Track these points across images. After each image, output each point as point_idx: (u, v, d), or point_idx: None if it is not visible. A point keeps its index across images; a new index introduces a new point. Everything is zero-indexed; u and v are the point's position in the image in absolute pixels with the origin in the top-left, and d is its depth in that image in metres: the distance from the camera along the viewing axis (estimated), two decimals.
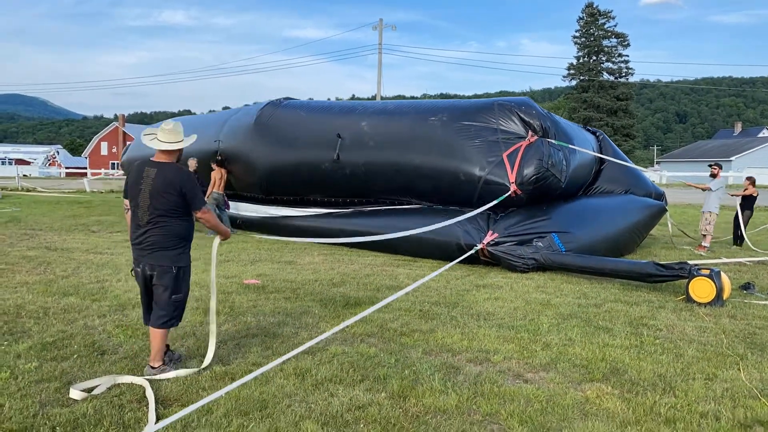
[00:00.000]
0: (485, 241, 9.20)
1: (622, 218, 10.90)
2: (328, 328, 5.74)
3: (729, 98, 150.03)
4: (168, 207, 4.45)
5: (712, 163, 13.06)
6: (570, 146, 10.25)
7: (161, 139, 4.58)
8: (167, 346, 4.72)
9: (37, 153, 78.41)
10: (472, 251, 9.13)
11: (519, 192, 9.41)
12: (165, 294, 4.54)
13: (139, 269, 4.59)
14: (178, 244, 4.56)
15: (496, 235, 9.21)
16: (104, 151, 76.84)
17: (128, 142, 20.52)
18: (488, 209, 9.31)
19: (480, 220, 9.48)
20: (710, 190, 12.47)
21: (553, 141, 9.83)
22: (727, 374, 4.71)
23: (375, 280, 8.23)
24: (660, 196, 12.64)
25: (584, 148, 11.20)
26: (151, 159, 4.62)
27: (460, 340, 5.47)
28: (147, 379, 4.33)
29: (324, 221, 11.89)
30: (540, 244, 9.08)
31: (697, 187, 13.40)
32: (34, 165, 68.54)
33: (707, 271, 7.13)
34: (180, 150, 4.67)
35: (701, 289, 7.08)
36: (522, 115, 9.85)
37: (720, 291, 7.01)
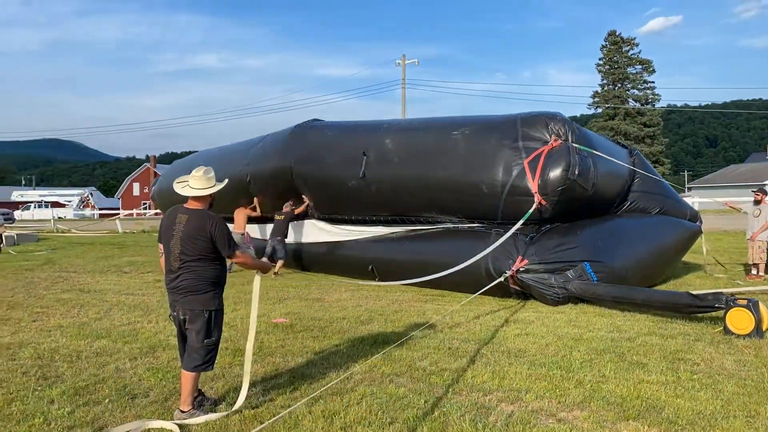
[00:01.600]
0: (515, 268, 9.01)
1: (656, 241, 10.62)
2: (356, 368, 5.71)
3: (760, 120, 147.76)
4: (198, 252, 4.54)
5: (756, 189, 12.74)
6: (597, 153, 9.91)
7: (193, 186, 4.70)
8: (200, 390, 4.74)
9: (71, 195, 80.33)
10: (502, 278, 8.99)
11: (543, 202, 9.22)
12: (197, 338, 4.59)
13: (174, 314, 4.67)
14: (209, 288, 4.62)
15: (526, 261, 9.03)
16: (136, 191, 78.54)
17: (158, 177, 20.92)
18: (518, 229, 9.17)
19: (509, 245, 9.25)
20: (758, 212, 12.17)
21: (579, 146, 9.55)
22: None
23: (403, 317, 8.17)
24: (695, 217, 12.27)
25: (618, 160, 10.93)
26: (183, 206, 4.75)
27: (491, 378, 5.38)
28: (177, 424, 4.33)
29: (351, 249, 12.13)
30: (571, 273, 8.90)
31: (733, 207, 13.03)
32: (69, 207, 70.16)
33: (744, 302, 6.93)
34: (212, 195, 4.77)
35: (739, 320, 6.88)
36: (547, 121, 9.74)
37: (759, 322, 6.80)
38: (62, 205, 69.47)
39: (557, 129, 9.66)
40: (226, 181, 5.00)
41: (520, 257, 9.08)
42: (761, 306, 6.96)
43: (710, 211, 30.52)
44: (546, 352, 6.26)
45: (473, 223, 10.46)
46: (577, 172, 9.27)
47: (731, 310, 6.98)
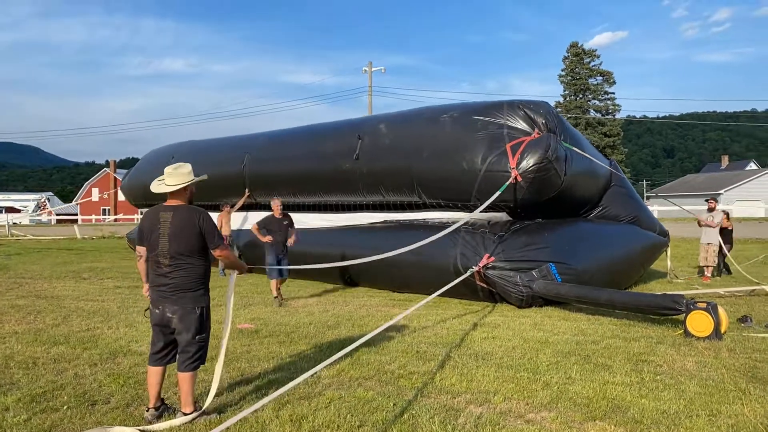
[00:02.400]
0: (481, 264, 9.11)
1: (622, 249, 10.83)
2: (323, 372, 5.64)
3: (715, 132, 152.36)
4: (188, 248, 4.46)
5: (709, 198, 13.33)
6: (575, 150, 10.21)
7: (168, 183, 4.59)
8: (162, 399, 4.63)
9: (27, 201, 78.17)
10: (468, 274, 9.06)
11: (519, 179, 9.36)
12: (188, 335, 4.50)
13: (157, 311, 4.53)
14: (200, 285, 4.56)
15: (492, 258, 9.12)
16: (95, 197, 76.72)
17: (131, 169, 20.41)
18: (486, 227, 9.31)
19: (477, 243, 9.44)
20: (711, 226, 12.78)
21: (561, 141, 9.84)
22: (731, 410, 4.63)
23: (370, 322, 8.13)
24: (664, 233, 12.55)
25: (594, 161, 11.18)
26: (164, 204, 4.65)
27: (459, 381, 5.38)
28: (139, 430, 4.21)
29: (321, 239, 12.34)
30: (536, 273, 9.00)
31: (707, 224, 13.40)
32: (25, 213, 68.21)
33: (704, 305, 7.09)
34: (189, 189, 4.67)
35: (699, 323, 7.04)
36: (530, 113, 9.99)
37: (718, 324, 6.96)
38: (17, 211, 67.50)
39: (540, 121, 9.88)
40: (205, 176, 4.90)
41: (487, 255, 9.16)
42: (720, 309, 7.12)
43: (669, 219, 31.25)
44: (513, 355, 6.29)
45: (450, 207, 10.57)
46: (554, 156, 9.48)
47: (691, 313, 7.13)
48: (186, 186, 4.63)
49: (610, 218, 11.55)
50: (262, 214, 14.30)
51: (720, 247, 12.96)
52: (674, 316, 7.71)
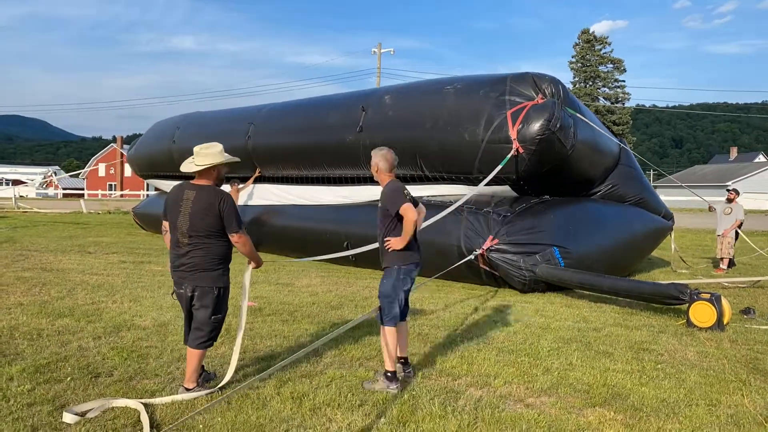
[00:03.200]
0: (485, 246, 9.05)
1: (626, 233, 10.71)
2: (326, 351, 5.68)
3: (724, 124, 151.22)
4: (207, 228, 4.47)
5: (730, 188, 13.18)
6: (583, 118, 10.03)
7: (198, 163, 4.57)
8: (202, 366, 4.74)
9: (34, 174, 78.40)
10: (472, 256, 9.03)
11: (521, 150, 9.26)
12: (205, 314, 4.55)
13: (181, 291, 4.58)
14: (219, 265, 4.56)
15: (496, 240, 9.06)
16: (102, 172, 76.92)
17: (137, 139, 20.31)
18: (492, 206, 9.30)
19: (480, 224, 9.38)
20: (729, 210, 12.67)
21: (567, 109, 9.63)
22: (731, 400, 4.64)
23: (373, 303, 8.14)
24: (669, 216, 12.43)
25: (603, 136, 10.97)
26: (190, 182, 4.66)
27: (460, 364, 5.40)
28: (142, 403, 4.25)
29: (326, 223, 12.34)
30: (539, 257, 8.93)
31: (714, 210, 13.29)
32: (31, 186, 68.46)
33: (707, 296, 7.08)
34: (218, 170, 4.66)
35: (702, 313, 7.03)
36: (535, 80, 9.85)
37: (721, 316, 6.95)
38: (24, 183, 67.74)
39: (546, 87, 9.75)
40: (237, 158, 4.92)
41: (491, 236, 9.13)
42: (723, 300, 7.11)
43: (675, 210, 31.01)
44: (514, 340, 6.31)
45: (453, 180, 10.43)
46: (558, 126, 9.30)
47: (694, 304, 7.12)
48: (214, 166, 4.61)
49: (616, 198, 11.36)
50: (267, 188, 14.41)
51: (735, 238, 12.86)
52: (677, 306, 7.70)
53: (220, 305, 4.60)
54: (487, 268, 9.24)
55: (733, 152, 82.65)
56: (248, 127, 14.33)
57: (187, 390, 4.48)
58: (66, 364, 5.13)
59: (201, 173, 4.60)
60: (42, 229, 19.57)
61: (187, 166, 4.65)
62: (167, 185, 17.90)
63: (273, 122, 14.15)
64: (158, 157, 17.55)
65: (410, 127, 10.80)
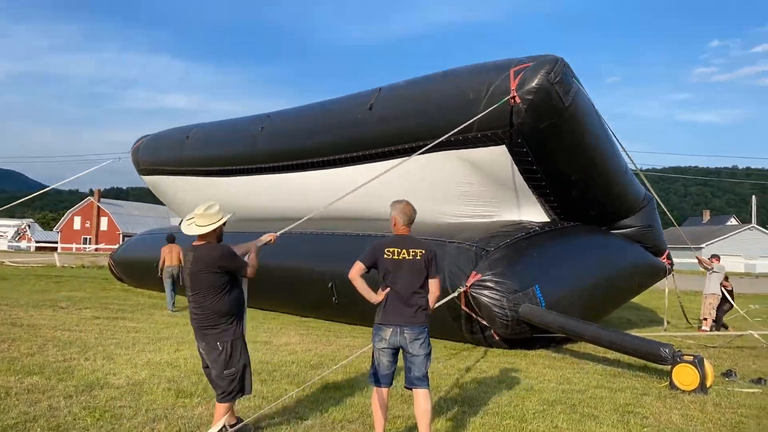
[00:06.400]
0: (468, 283, 8.92)
1: (610, 270, 10.53)
2: (306, 413, 5.52)
3: (696, 187, 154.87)
4: (205, 287, 4.63)
5: (713, 255, 13.37)
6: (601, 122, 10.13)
7: (198, 224, 4.74)
8: (237, 418, 4.84)
9: (7, 227, 77.05)
10: (456, 294, 8.88)
11: (518, 100, 9.12)
12: (215, 371, 4.67)
13: (200, 350, 4.79)
14: (220, 321, 4.66)
15: (479, 276, 8.95)
16: (77, 225, 75.88)
17: (142, 138, 19.35)
18: (474, 241, 9.24)
19: (464, 260, 9.29)
20: (712, 270, 12.75)
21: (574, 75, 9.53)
22: None
23: (354, 362, 7.98)
24: (663, 252, 11.99)
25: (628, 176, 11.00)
26: (192, 243, 4.83)
27: (444, 427, 5.28)
28: None
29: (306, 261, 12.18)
30: (521, 296, 8.80)
31: (702, 262, 13.42)
32: (4, 238, 67.14)
33: (690, 358, 7.07)
34: (217, 228, 4.80)
35: (685, 375, 7.00)
36: (547, 64, 9.43)
37: (704, 379, 6.93)
38: None
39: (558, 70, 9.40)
40: (232, 213, 5.10)
41: (474, 272, 9.03)
42: (706, 363, 7.11)
43: (683, 272, 30.79)
44: (498, 402, 6.20)
45: (453, 144, 10.02)
46: (557, 79, 9.17)
47: (677, 366, 7.10)
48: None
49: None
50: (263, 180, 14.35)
51: (721, 301, 12.93)
52: (660, 365, 7.67)
53: (227, 359, 4.65)
54: (467, 310, 9.08)
55: (706, 215, 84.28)
56: (260, 125, 14.41)
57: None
58: (35, 425, 4.92)
59: (202, 235, 4.76)
60: (13, 283, 19.09)
61: (189, 229, 4.79)
62: (168, 182, 17.66)
63: (286, 116, 14.28)
64: (168, 150, 17.39)
65: (419, 99, 10.75)
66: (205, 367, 4.79)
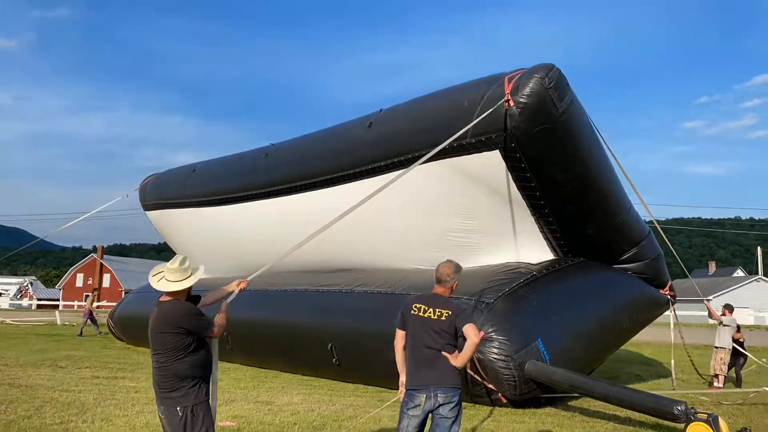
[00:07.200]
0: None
1: (609, 309, 10.24)
2: None
3: (700, 238, 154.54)
4: (165, 347, 4.32)
5: (724, 306, 13.09)
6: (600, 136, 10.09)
7: (169, 279, 4.46)
8: None
9: (9, 285, 76.92)
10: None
11: (512, 103, 8.99)
12: None
13: (160, 415, 4.41)
14: (179, 384, 4.33)
15: (482, 333, 8.72)
16: (79, 282, 75.67)
17: (152, 175, 19.30)
18: (480, 296, 8.98)
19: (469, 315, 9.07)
20: (723, 323, 12.44)
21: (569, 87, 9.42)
22: None
23: (357, 425, 7.79)
24: (666, 284, 11.72)
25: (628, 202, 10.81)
26: (159, 298, 4.54)
27: None
28: None
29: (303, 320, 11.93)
30: (524, 352, 8.54)
31: (712, 314, 13.12)
32: (5, 296, 66.92)
33: (704, 416, 6.87)
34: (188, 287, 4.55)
35: None
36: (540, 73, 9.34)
37: None
38: None
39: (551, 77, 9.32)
40: (202, 268, 4.72)
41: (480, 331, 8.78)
42: (721, 421, 6.89)
43: (693, 324, 30.46)
44: None
45: (446, 153, 9.78)
46: (552, 84, 9.06)
47: (691, 425, 6.89)
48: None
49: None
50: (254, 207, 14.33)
51: (733, 354, 12.58)
52: (673, 423, 7.45)
53: (191, 426, 4.29)
54: (472, 374, 8.80)
55: (712, 266, 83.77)
56: (264, 153, 14.51)
57: None
58: None
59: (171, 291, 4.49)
60: (13, 342, 18.88)
61: (159, 285, 4.49)
62: (172, 216, 17.56)
63: (289, 143, 14.40)
64: (174, 185, 17.42)
65: (417, 117, 10.77)
66: None
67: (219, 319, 4.64)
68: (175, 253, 19.21)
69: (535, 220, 10.23)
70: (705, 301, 13.48)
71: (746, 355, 12.88)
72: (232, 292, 5.01)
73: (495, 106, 9.16)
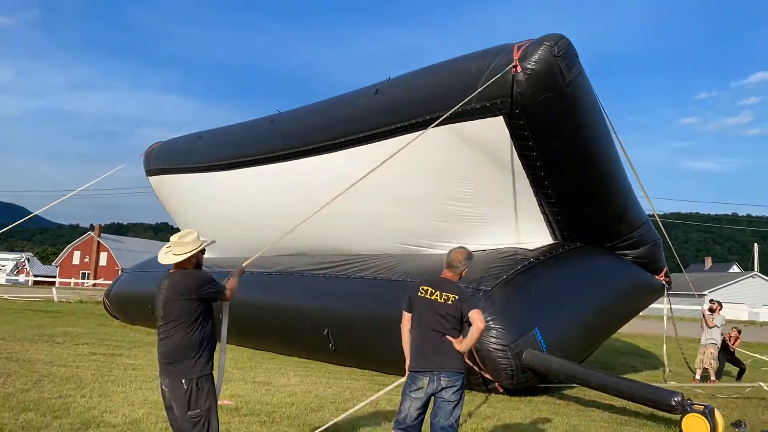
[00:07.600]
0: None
1: (606, 296, 10.27)
2: None
3: (697, 233, 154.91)
4: (176, 316, 4.35)
5: (713, 300, 13.14)
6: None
7: (175, 253, 4.54)
8: None
9: (6, 260, 76.90)
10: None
11: (519, 69, 8.94)
12: (178, 411, 4.30)
13: (162, 386, 4.42)
14: (187, 354, 4.35)
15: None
16: (76, 260, 75.65)
17: (158, 143, 18.98)
18: (478, 284, 8.96)
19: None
20: (716, 326, 12.49)
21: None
22: None
23: (354, 406, 7.81)
24: (662, 270, 11.77)
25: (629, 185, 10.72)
26: (169, 271, 4.60)
27: None
28: None
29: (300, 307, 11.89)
30: (522, 342, 8.57)
31: (705, 319, 13.16)
32: (2, 272, 66.94)
33: (701, 407, 6.91)
34: (196, 256, 4.60)
35: (695, 426, 6.82)
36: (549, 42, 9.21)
37: (714, 429, 6.75)
38: None
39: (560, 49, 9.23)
40: (213, 240, 4.82)
41: None
42: (717, 413, 6.94)
43: (687, 318, 30.64)
44: None
45: (452, 119, 9.58)
46: (561, 53, 8.99)
47: (687, 416, 6.94)
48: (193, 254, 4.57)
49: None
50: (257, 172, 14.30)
51: (722, 348, 12.65)
52: (669, 414, 7.50)
53: (192, 399, 4.30)
54: (470, 363, 8.77)
55: (708, 262, 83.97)
56: (270, 119, 14.45)
57: None
58: None
59: (179, 263, 4.55)
60: (10, 317, 18.88)
61: (166, 258, 4.59)
62: (174, 181, 17.49)
63: (297, 110, 14.25)
64: (179, 150, 17.38)
65: (425, 84, 10.67)
66: (168, 407, 4.40)
67: (231, 282, 4.75)
68: (175, 224, 19.07)
69: (534, 193, 10.08)
70: (702, 309, 13.47)
71: (732, 350, 13.03)
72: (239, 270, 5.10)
73: (503, 71, 9.06)
